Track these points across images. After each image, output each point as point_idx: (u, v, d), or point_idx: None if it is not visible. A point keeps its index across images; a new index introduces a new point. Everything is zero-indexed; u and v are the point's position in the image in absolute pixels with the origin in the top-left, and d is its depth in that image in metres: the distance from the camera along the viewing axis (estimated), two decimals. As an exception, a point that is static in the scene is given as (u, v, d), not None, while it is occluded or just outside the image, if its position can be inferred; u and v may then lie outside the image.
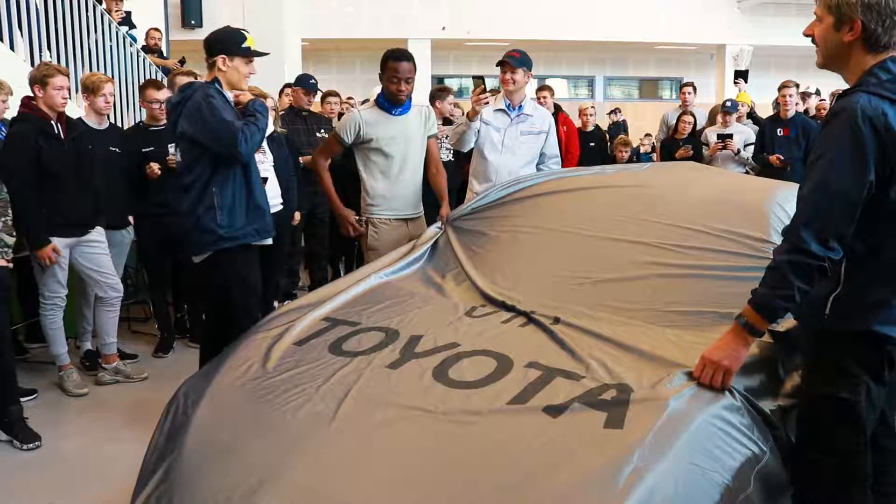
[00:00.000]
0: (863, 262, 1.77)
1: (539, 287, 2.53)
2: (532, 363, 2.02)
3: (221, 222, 3.04)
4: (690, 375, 1.88)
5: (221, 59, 3.10)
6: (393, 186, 3.59)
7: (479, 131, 3.82)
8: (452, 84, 17.19)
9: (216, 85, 3.11)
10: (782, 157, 5.76)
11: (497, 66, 3.83)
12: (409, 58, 3.49)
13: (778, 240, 2.10)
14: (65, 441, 3.40)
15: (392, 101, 3.49)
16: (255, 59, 3.18)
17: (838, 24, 1.73)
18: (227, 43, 3.12)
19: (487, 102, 3.57)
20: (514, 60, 3.75)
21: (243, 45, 3.12)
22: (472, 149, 3.94)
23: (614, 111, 11.65)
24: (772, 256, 1.84)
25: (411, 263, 2.94)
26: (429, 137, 3.65)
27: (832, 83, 9.82)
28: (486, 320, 2.37)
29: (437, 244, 3.09)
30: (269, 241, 3.29)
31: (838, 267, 1.78)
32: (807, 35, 1.83)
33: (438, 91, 5.95)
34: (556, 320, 2.28)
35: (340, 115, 6.64)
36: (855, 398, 1.80)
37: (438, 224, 3.24)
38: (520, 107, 3.85)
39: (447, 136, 5.51)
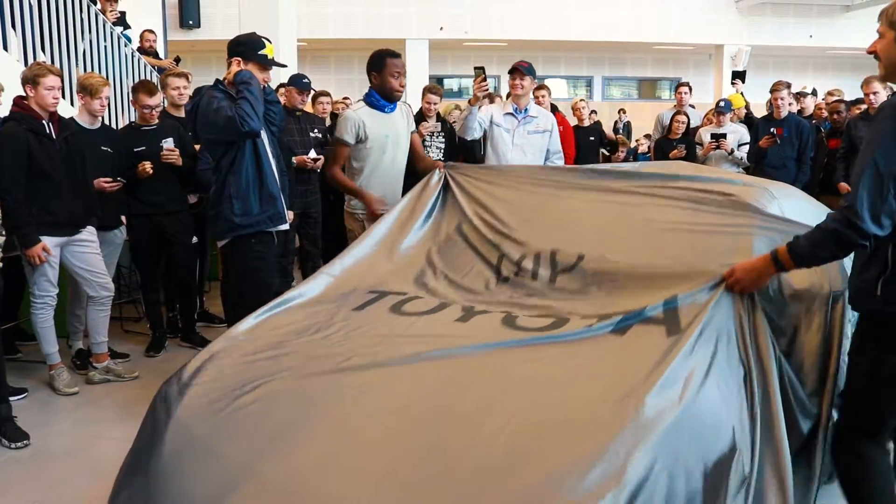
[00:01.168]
0: None
1: (548, 235, 2.62)
2: (587, 315, 2.19)
3: (237, 210, 3.28)
4: (718, 284, 2.12)
5: (237, 61, 3.29)
6: (383, 183, 3.71)
7: (490, 132, 4.29)
8: (452, 84, 17.21)
9: (220, 86, 3.30)
10: (773, 132, 5.76)
11: (509, 73, 4.34)
12: (400, 55, 3.73)
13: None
14: (54, 439, 3.41)
15: (389, 96, 3.63)
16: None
17: None
18: (246, 47, 3.31)
19: (487, 89, 3.89)
20: (524, 69, 4.28)
21: (260, 52, 3.30)
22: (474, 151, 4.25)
23: (620, 111, 11.65)
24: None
25: (423, 222, 2.98)
26: (411, 133, 3.85)
27: (828, 83, 9.84)
28: (519, 281, 2.50)
29: (445, 200, 3.08)
30: (285, 227, 3.54)
31: (886, 250, 1.96)
32: (870, 52, 2.04)
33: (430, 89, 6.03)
34: (580, 257, 2.41)
35: (333, 114, 6.65)
36: (887, 374, 2.00)
37: (438, 170, 3.22)
38: (525, 109, 4.33)
39: (436, 134, 5.67)
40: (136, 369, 4.25)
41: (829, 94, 6.86)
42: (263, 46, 3.31)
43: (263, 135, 3.42)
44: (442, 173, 3.17)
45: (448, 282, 2.59)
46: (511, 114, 4.30)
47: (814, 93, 8.27)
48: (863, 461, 2.10)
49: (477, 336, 2.09)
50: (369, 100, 3.66)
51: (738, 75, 7.06)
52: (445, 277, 2.62)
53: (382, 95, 3.63)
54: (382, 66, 3.58)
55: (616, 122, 13.40)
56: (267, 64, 3.33)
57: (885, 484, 2.09)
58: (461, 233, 2.83)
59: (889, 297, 1.98)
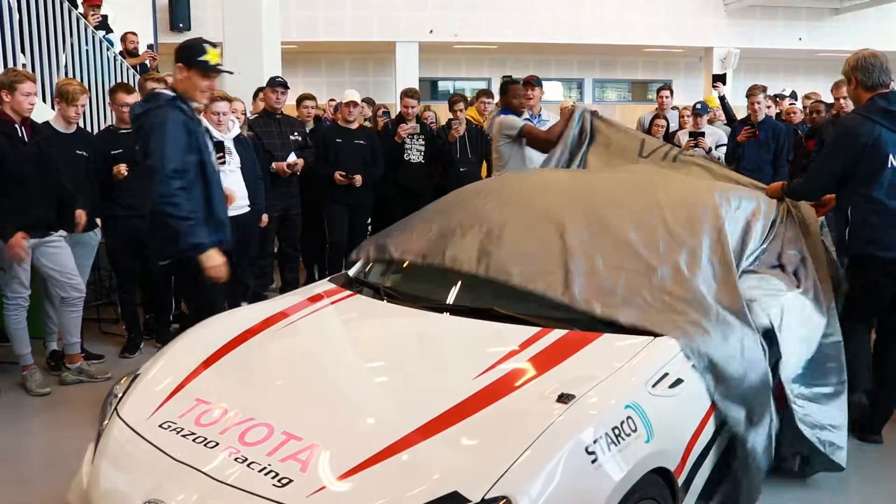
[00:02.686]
0: (859, 209, 3.12)
1: None
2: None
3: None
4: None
5: (178, 67, 3.15)
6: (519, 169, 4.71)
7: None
8: (447, 86, 17.20)
9: (179, 102, 3.12)
10: (751, 128, 5.84)
11: (523, 85, 5.26)
12: (519, 81, 5.15)
13: None
14: (23, 439, 3.46)
15: (517, 112, 4.84)
16: (230, 66, 3.33)
17: (847, 81, 3.22)
18: (187, 53, 3.13)
19: None
20: (534, 82, 5.44)
21: (199, 59, 3.10)
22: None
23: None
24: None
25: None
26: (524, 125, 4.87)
27: (819, 86, 9.89)
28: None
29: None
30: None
31: (846, 210, 3.16)
32: None
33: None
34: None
35: (317, 118, 6.69)
36: (860, 291, 3.21)
37: (578, 109, 4.30)
38: (539, 114, 5.46)
39: (416, 137, 5.78)
40: (109, 370, 4.28)
41: (807, 97, 6.93)
42: (204, 52, 3.10)
43: (211, 159, 3.29)
44: (583, 113, 4.19)
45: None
46: (527, 118, 5.21)
47: (793, 95, 8.33)
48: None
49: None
50: (505, 112, 4.79)
51: (719, 78, 7.14)
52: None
53: (513, 110, 4.81)
54: (507, 92, 4.89)
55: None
56: (207, 70, 3.13)
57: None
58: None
59: (854, 243, 3.16)
